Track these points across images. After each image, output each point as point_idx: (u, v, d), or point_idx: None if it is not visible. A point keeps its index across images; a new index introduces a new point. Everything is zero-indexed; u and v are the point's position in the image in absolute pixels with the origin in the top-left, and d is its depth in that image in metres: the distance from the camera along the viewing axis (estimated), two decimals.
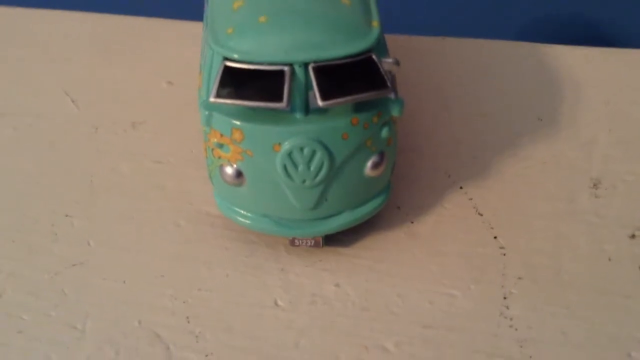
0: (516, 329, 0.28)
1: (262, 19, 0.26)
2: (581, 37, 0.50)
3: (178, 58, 0.42)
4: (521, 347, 0.28)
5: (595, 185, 0.34)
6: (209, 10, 0.29)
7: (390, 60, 0.27)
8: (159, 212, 0.33)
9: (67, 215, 0.33)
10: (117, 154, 0.36)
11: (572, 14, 0.55)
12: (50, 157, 0.36)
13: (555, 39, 0.42)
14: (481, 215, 0.33)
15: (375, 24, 0.27)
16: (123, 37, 0.44)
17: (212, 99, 0.26)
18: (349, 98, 0.26)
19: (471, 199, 0.33)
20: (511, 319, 0.29)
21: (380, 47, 0.27)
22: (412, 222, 0.32)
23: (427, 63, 0.41)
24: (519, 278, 0.30)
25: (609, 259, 0.31)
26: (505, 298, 0.29)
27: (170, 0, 0.50)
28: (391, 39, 0.42)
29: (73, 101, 0.40)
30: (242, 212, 0.30)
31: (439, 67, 0.41)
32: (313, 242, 0.30)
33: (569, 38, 0.43)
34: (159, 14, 0.45)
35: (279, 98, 0.26)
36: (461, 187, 0.34)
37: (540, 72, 0.40)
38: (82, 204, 0.34)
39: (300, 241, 0.30)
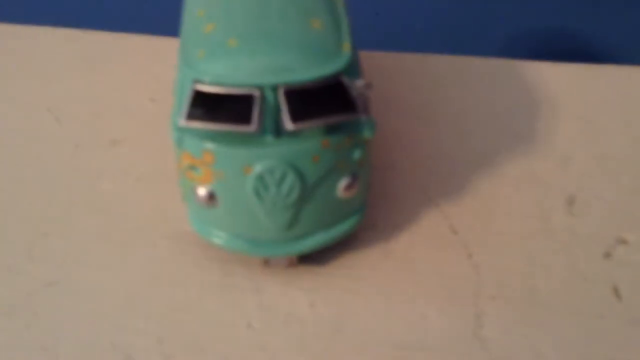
0: (489, 350, 0.28)
1: (233, 42, 0.26)
2: (558, 53, 0.50)
3: (162, 75, 0.42)
4: None
5: (570, 203, 0.34)
6: (181, 32, 0.29)
7: (361, 83, 0.27)
8: (137, 231, 0.33)
9: (44, 234, 0.33)
10: (98, 172, 0.36)
11: (550, 29, 0.55)
12: (30, 174, 0.36)
13: (533, 56, 0.43)
14: (456, 233, 0.33)
15: (347, 46, 0.27)
16: (106, 53, 0.44)
17: (181, 123, 0.26)
18: (318, 121, 0.26)
19: (447, 217, 0.34)
20: (484, 340, 0.29)
21: (352, 69, 0.27)
22: (387, 241, 0.33)
23: (405, 80, 0.41)
24: (493, 298, 0.30)
25: (584, 279, 0.31)
26: (478, 318, 0.29)
27: (153, 17, 0.50)
28: (369, 56, 0.42)
29: (56, 118, 0.40)
30: (216, 231, 0.30)
31: (417, 84, 0.41)
32: (287, 261, 0.30)
33: (546, 54, 0.43)
34: (143, 30, 0.45)
35: (248, 121, 0.26)
36: (437, 205, 0.34)
37: (518, 89, 0.40)
38: (60, 222, 0.34)
39: (274, 261, 0.30)
